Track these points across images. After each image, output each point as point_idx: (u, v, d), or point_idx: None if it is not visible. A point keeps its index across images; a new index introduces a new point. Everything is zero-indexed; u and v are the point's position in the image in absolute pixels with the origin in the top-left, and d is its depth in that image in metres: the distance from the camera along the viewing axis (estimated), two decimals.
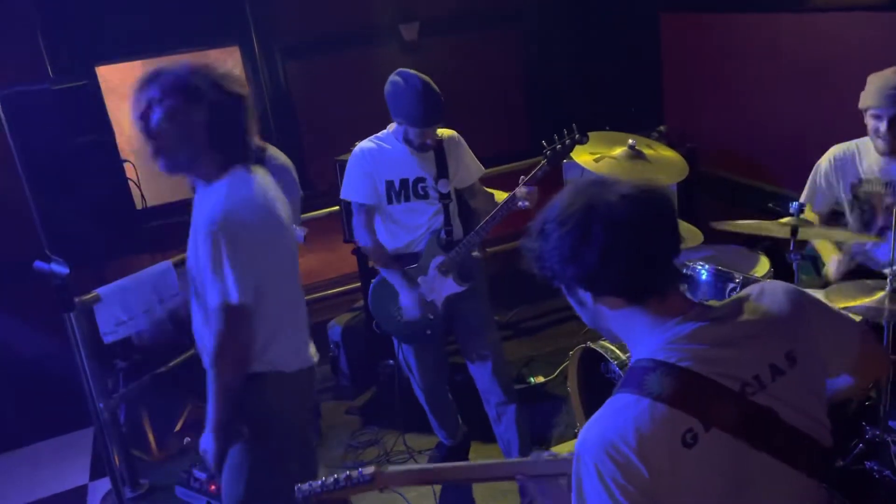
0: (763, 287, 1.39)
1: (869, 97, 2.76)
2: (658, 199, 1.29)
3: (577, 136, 2.75)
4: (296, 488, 1.70)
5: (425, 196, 2.97)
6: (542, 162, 2.77)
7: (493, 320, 3.23)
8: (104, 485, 3.60)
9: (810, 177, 3.08)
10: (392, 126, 2.97)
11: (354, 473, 1.69)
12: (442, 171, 2.97)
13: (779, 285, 1.40)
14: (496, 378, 3.13)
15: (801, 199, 3.06)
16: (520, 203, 2.78)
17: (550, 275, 1.34)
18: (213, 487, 3.16)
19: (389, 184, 2.95)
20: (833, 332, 1.40)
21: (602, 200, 1.26)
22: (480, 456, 3.42)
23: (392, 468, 1.74)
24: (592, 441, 1.22)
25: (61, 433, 4.10)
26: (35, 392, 4.01)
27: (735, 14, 4.34)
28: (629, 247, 1.24)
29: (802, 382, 1.29)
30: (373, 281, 3.15)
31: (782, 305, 1.34)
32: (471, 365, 3.18)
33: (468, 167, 3.05)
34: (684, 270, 2.76)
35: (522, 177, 2.79)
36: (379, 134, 3.00)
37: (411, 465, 1.96)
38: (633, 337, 1.33)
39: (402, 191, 2.96)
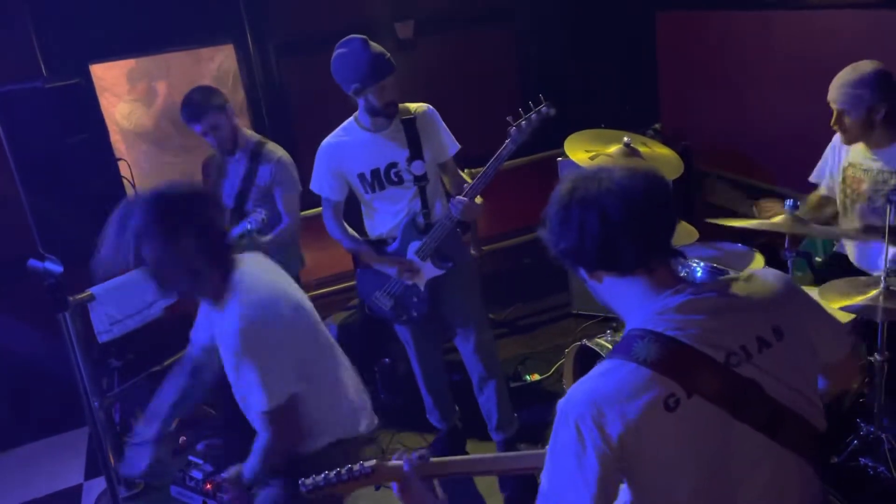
0: (753, 271, 1.44)
1: (830, 89, 2.83)
2: (643, 179, 1.34)
3: (543, 108, 2.73)
4: (300, 482, 1.72)
5: (399, 182, 2.90)
6: (507, 141, 2.75)
7: (478, 298, 3.19)
8: (99, 484, 3.59)
9: (824, 154, 3.13)
10: (355, 114, 2.91)
11: (356, 467, 1.72)
12: (415, 152, 2.85)
13: (770, 271, 1.45)
14: (478, 353, 3.15)
15: (812, 178, 3.14)
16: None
17: (557, 258, 1.41)
18: (208, 486, 3.15)
19: (361, 177, 2.91)
20: (825, 327, 1.44)
21: (584, 183, 1.34)
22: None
23: (393, 462, 1.76)
24: (576, 399, 1.29)
25: (56, 433, 4.09)
26: (30, 392, 4.00)
27: (730, 11, 4.35)
28: (602, 223, 1.30)
29: (788, 357, 1.33)
30: (358, 267, 3.18)
31: (772, 285, 1.39)
32: (458, 343, 3.20)
33: (442, 142, 2.93)
34: (681, 265, 2.78)
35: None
36: (343, 125, 2.94)
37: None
38: (626, 309, 1.40)
39: (374, 181, 2.90)
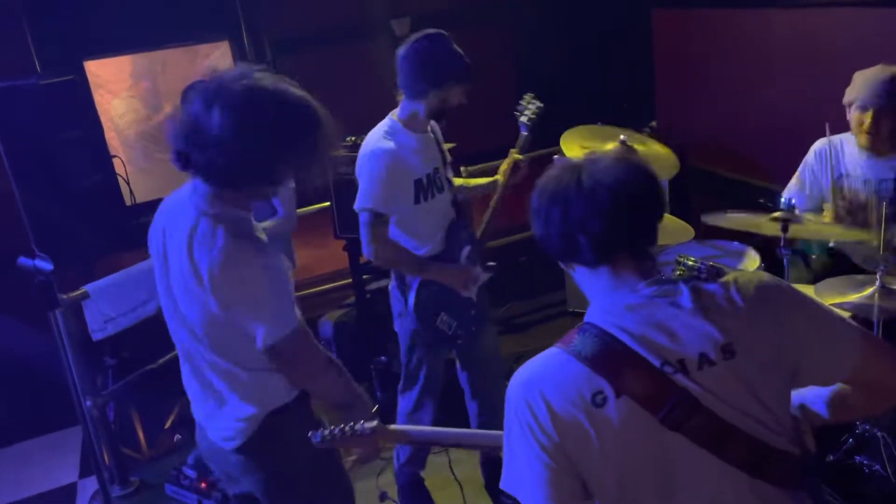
0: (737, 278, 1.36)
1: (856, 90, 2.76)
2: (620, 173, 1.34)
3: (534, 101, 2.88)
4: (310, 434, 1.78)
5: (442, 188, 2.74)
6: (525, 135, 2.87)
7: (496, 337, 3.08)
8: (93, 483, 3.58)
9: (796, 174, 3.08)
10: (391, 115, 2.69)
11: (358, 426, 1.81)
12: (443, 155, 2.76)
13: (757, 279, 1.36)
14: (493, 357, 3.03)
15: (784, 196, 3.04)
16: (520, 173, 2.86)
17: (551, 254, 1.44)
18: (203, 485, 3.15)
19: (418, 183, 2.65)
20: (817, 332, 1.34)
21: (559, 175, 1.37)
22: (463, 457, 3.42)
23: (392, 427, 1.88)
24: (515, 386, 1.33)
25: (50, 431, 4.07)
26: (23, 390, 3.98)
27: (726, 10, 4.35)
28: (562, 218, 1.34)
29: (736, 378, 1.27)
30: (409, 297, 2.73)
31: (744, 300, 1.31)
32: (466, 367, 3.02)
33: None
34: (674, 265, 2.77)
35: (512, 149, 2.86)
36: (384, 129, 2.65)
37: (411, 427, 2.11)
38: (591, 298, 1.42)
39: (429, 187, 2.68)
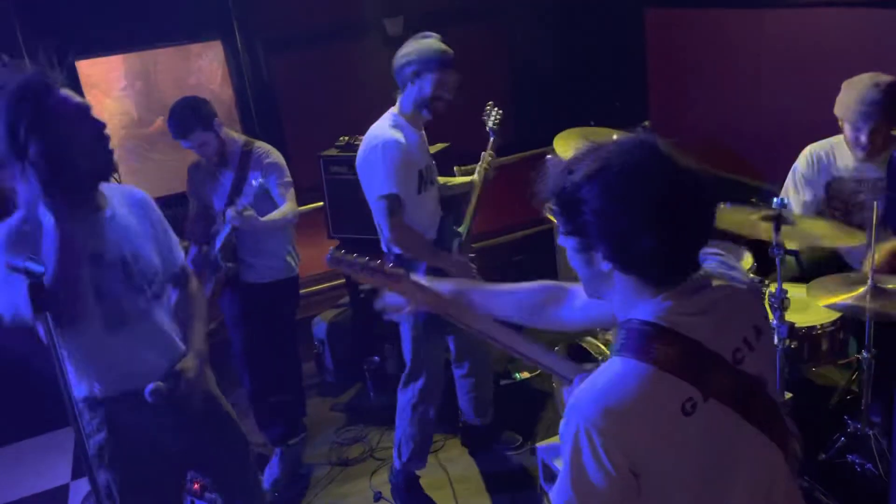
0: (720, 260, 1.39)
1: (846, 110, 2.75)
2: (707, 188, 1.26)
3: (494, 108, 3.19)
4: (330, 251, 1.77)
5: (433, 182, 2.95)
6: (494, 138, 3.18)
7: None
8: (86, 484, 3.56)
9: (787, 180, 3.07)
10: (393, 111, 2.83)
11: (385, 265, 1.73)
12: (430, 153, 2.98)
13: (725, 260, 1.40)
14: (475, 393, 3.20)
15: (796, 210, 3.03)
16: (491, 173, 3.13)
17: (573, 230, 1.27)
18: (196, 486, 3.14)
19: (420, 173, 2.83)
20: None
21: (667, 190, 1.21)
22: (455, 457, 3.42)
23: (418, 279, 1.75)
24: (587, 405, 1.19)
25: (43, 432, 4.05)
26: (16, 390, 3.96)
27: (720, 9, 4.35)
28: (683, 243, 1.23)
29: (767, 354, 1.34)
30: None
31: (741, 283, 1.35)
32: (462, 364, 3.18)
33: None
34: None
35: (485, 152, 3.15)
36: (388, 122, 2.80)
37: (438, 285, 1.81)
38: (627, 300, 1.29)
39: (427, 178, 2.88)
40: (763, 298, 1.43)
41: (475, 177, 3.15)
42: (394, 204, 2.70)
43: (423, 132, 2.93)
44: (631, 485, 1.20)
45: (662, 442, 1.19)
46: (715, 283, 1.31)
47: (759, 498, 1.30)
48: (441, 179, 3.11)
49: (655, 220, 1.19)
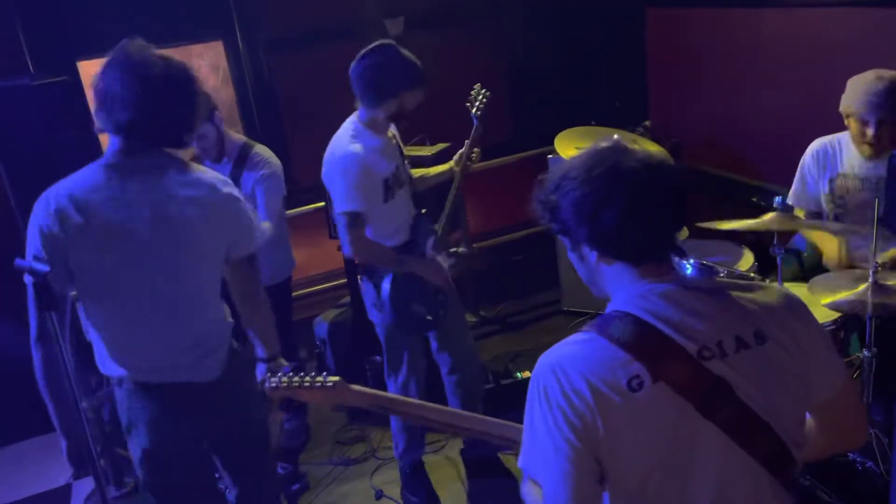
0: (768, 285, 1.43)
1: (853, 103, 2.76)
2: (671, 170, 1.38)
3: (481, 91, 3.05)
4: (266, 378, 1.86)
5: (402, 184, 2.91)
6: (477, 125, 3.02)
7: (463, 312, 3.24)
8: (88, 484, 3.57)
9: (797, 174, 3.09)
10: (353, 119, 2.80)
11: (320, 378, 1.84)
12: (401, 151, 2.94)
13: (780, 289, 1.43)
14: (464, 389, 3.18)
15: (789, 200, 3.05)
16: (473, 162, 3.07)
17: (560, 228, 1.39)
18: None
19: (385, 182, 2.81)
20: (825, 346, 1.39)
21: (625, 166, 1.32)
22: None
23: (355, 387, 1.89)
24: (544, 366, 1.30)
25: (45, 432, 4.05)
26: (18, 390, 3.95)
27: (720, 9, 4.36)
28: (645, 215, 1.31)
29: (768, 364, 1.31)
30: (382, 288, 2.89)
31: (773, 299, 1.37)
32: (441, 337, 3.16)
33: None
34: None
35: (467, 140, 3.04)
36: (348, 132, 2.77)
37: (375, 391, 2.06)
38: (615, 290, 1.39)
39: (393, 185, 2.85)
40: (801, 316, 1.39)
41: (452, 164, 3.12)
42: (352, 220, 2.72)
43: (391, 133, 2.88)
44: (586, 445, 1.24)
45: (609, 407, 1.23)
46: (711, 284, 1.38)
47: (721, 496, 1.30)
48: (417, 172, 3.09)
49: (614, 192, 1.30)
